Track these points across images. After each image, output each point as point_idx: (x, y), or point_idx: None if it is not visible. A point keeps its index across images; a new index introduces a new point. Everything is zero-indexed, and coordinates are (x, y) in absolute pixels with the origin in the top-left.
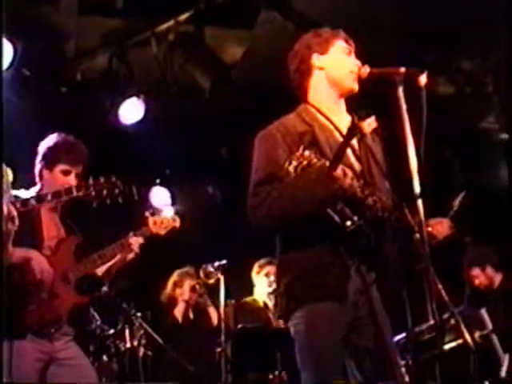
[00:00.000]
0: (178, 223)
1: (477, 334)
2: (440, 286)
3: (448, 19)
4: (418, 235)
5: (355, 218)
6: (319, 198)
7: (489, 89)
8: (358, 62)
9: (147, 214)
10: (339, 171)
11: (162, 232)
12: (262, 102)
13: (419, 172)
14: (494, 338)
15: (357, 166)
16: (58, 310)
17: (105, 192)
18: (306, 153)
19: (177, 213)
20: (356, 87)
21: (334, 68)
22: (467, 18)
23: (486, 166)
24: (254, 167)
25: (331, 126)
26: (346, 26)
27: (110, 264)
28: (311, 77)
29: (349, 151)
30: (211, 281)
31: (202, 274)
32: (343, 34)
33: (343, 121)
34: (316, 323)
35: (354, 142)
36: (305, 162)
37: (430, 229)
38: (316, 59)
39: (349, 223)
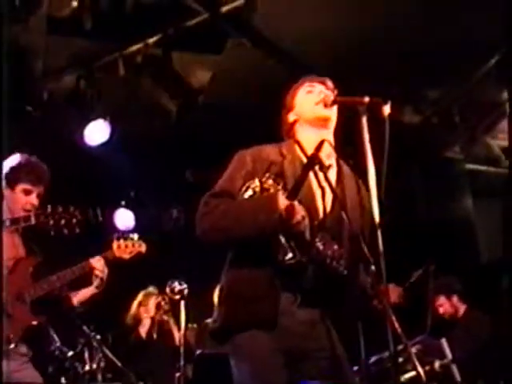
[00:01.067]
0: (143, 248)
1: (437, 364)
2: (394, 319)
3: (415, 49)
4: (373, 267)
5: (298, 254)
6: (260, 223)
7: (455, 119)
8: (322, 89)
9: (113, 237)
10: (295, 205)
11: (126, 256)
12: (229, 126)
13: (380, 201)
14: (454, 367)
15: (321, 204)
16: (11, 330)
17: (63, 222)
18: (270, 181)
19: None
20: (326, 113)
21: (302, 112)
22: (435, 47)
23: (451, 196)
24: None
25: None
26: (312, 54)
27: (87, 293)
28: (293, 127)
29: (317, 189)
30: (177, 296)
31: (167, 290)
32: (307, 78)
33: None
34: (248, 351)
35: (323, 177)
36: (262, 189)
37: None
38: (290, 118)
39: (289, 257)
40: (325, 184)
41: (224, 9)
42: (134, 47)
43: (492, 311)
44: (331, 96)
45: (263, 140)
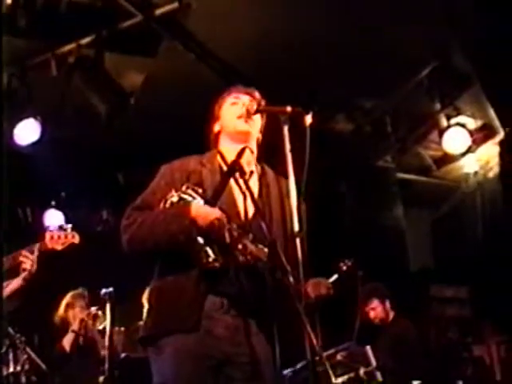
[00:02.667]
0: (76, 239)
1: (362, 371)
2: (309, 329)
3: (350, 58)
4: (291, 278)
5: (220, 258)
6: (171, 232)
7: (387, 128)
8: (245, 101)
9: (46, 227)
10: (209, 210)
11: (59, 247)
12: (160, 129)
13: (299, 210)
14: (378, 374)
15: (242, 209)
16: None
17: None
18: (188, 191)
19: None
20: (245, 128)
21: (226, 125)
22: (369, 58)
23: (382, 204)
24: None
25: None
26: (243, 59)
27: (14, 285)
28: (218, 137)
29: (238, 194)
30: (101, 302)
31: (92, 297)
32: (233, 89)
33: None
34: (170, 355)
35: (243, 183)
36: (180, 199)
37: (307, 288)
38: (216, 127)
39: (211, 259)
40: (245, 190)
41: (158, 11)
42: (67, 47)
43: (419, 319)
44: (254, 106)
45: (194, 144)
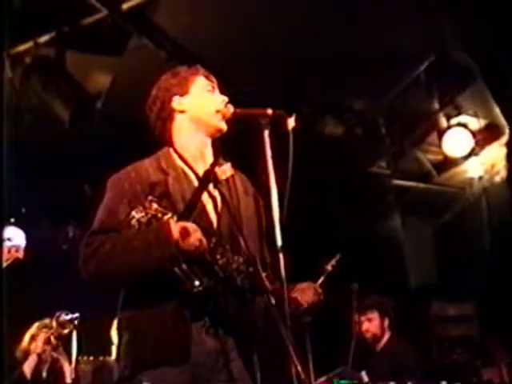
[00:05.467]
0: (20, 253)
1: None
2: (295, 357)
3: (337, 56)
4: (273, 299)
5: (204, 279)
6: (155, 260)
7: (381, 130)
8: (224, 98)
9: None
10: (189, 227)
11: (3, 264)
12: (130, 135)
13: (282, 222)
14: None
15: (215, 220)
16: None
17: None
18: (154, 205)
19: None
20: (223, 126)
21: (197, 108)
22: (358, 55)
23: (377, 214)
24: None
25: (192, 175)
26: (220, 57)
27: None
28: (174, 121)
29: (209, 204)
30: (66, 331)
31: (54, 324)
32: (202, 70)
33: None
34: None
35: (218, 193)
36: (150, 216)
37: (295, 295)
38: (177, 102)
39: (197, 283)
40: (218, 200)
41: (125, 6)
42: (23, 46)
43: (420, 340)
44: (231, 108)
45: None
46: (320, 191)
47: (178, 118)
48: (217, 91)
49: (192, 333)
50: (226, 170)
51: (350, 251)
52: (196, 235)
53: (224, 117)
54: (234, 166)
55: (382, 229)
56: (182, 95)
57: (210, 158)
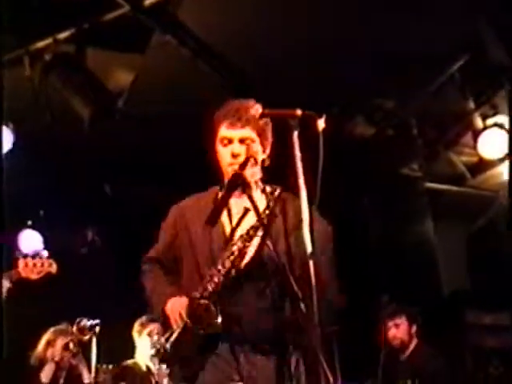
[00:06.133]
0: (54, 268)
1: None
2: (325, 367)
3: (368, 55)
4: (303, 305)
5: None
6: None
7: (413, 131)
8: (234, 150)
9: (18, 254)
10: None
11: (34, 276)
12: (152, 134)
13: (311, 227)
14: None
15: (228, 228)
16: None
17: None
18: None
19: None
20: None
21: (220, 160)
22: (390, 53)
23: (409, 218)
24: None
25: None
26: (246, 56)
27: None
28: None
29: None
30: (86, 337)
31: (75, 330)
32: (229, 114)
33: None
34: None
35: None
36: None
37: None
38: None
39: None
40: (250, 206)
41: (147, 1)
42: (42, 43)
43: (453, 350)
44: (259, 108)
45: (189, 150)
46: (349, 195)
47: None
48: (236, 140)
49: None
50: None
51: (380, 257)
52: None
53: (241, 167)
54: None
55: (413, 234)
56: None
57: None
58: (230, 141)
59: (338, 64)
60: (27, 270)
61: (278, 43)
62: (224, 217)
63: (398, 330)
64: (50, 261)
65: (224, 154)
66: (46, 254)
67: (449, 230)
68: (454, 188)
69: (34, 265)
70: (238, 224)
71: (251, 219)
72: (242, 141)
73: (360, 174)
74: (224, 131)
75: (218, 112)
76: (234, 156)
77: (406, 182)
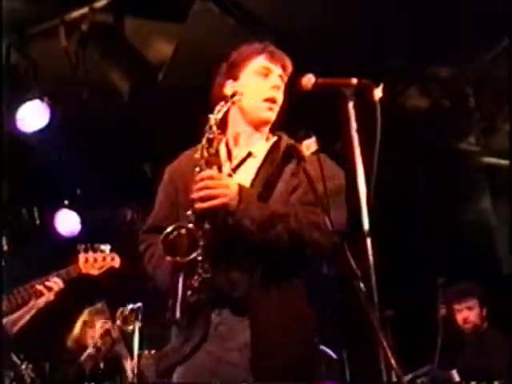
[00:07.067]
0: (117, 262)
1: None
2: (386, 346)
3: (420, 16)
4: (362, 284)
5: None
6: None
7: (470, 103)
8: (277, 83)
9: (79, 248)
10: None
11: (95, 272)
12: (194, 109)
13: (369, 203)
14: None
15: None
16: None
17: None
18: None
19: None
20: (269, 117)
21: (245, 97)
22: (444, 15)
23: (466, 196)
24: None
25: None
26: (295, 24)
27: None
28: (229, 110)
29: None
30: (129, 327)
31: (118, 319)
32: (270, 48)
33: (259, 149)
34: None
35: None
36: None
37: None
38: (229, 87)
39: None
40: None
41: None
42: (79, 12)
43: None
44: (312, 78)
45: None
46: (402, 170)
47: (232, 105)
48: (274, 70)
49: None
50: (310, 146)
51: (435, 237)
52: None
53: (271, 107)
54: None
55: (470, 212)
56: (234, 79)
57: (256, 143)
58: (270, 72)
59: (388, 31)
60: (88, 266)
61: (327, 12)
62: (224, 159)
63: (471, 312)
64: (113, 254)
65: (259, 86)
66: (108, 247)
67: (508, 207)
68: None
69: (95, 260)
70: (237, 168)
71: (252, 166)
72: (279, 77)
73: (414, 149)
74: (263, 61)
75: (248, 45)
76: (277, 87)
77: (463, 156)
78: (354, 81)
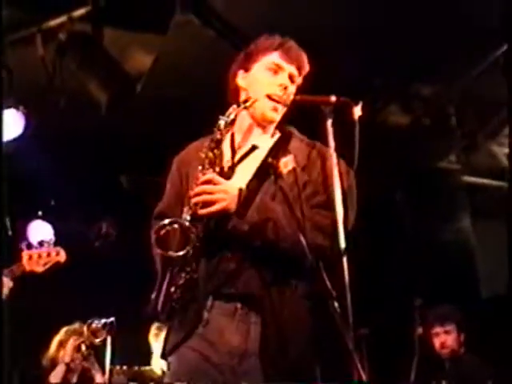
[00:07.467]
0: (62, 257)
1: None
2: (360, 368)
3: (405, 35)
4: (336, 304)
5: None
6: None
7: (451, 120)
8: (285, 82)
9: (22, 246)
10: None
11: (40, 269)
12: (173, 121)
13: (346, 222)
14: None
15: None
16: None
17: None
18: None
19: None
20: (271, 116)
21: (252, 90)
22: (427, 36)
23: (446, 214)
24: None
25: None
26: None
27: None
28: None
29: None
30: (98, 340)
31: (86, 332)
32: (288, 44)
33: (264, 143)
34: None
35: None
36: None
37: None
38: (240, 78)
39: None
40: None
41: None
42: (57, 21)
43: (493, 357)
44: (291, 95)
45: None
46: (382, 188)
47: (242, 96)
48: (286, 69)
49: None
50: (287, 163)
51: (415, 256)
52: None
53: (276, 106)
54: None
55: (450, 231)
56: (246, 71)
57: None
58: (281, 70)
59: (370, 47)
60: (32, 263)
61: (307, 25)
62: (226, 151)
63: (449, 337)
64: (58, 248)
65: (266, 81)
66: (51, 240)
67: (488, 227)
68: (495, 182)
69: (39, 256)
70: (240, 161)
71: (255, 159)
72: (290, 77)
73: (393, 167)
74: (277, 58)
75: (267, 37)
76: (284, 86)
77: (443, 175)
78: (333, 98)
